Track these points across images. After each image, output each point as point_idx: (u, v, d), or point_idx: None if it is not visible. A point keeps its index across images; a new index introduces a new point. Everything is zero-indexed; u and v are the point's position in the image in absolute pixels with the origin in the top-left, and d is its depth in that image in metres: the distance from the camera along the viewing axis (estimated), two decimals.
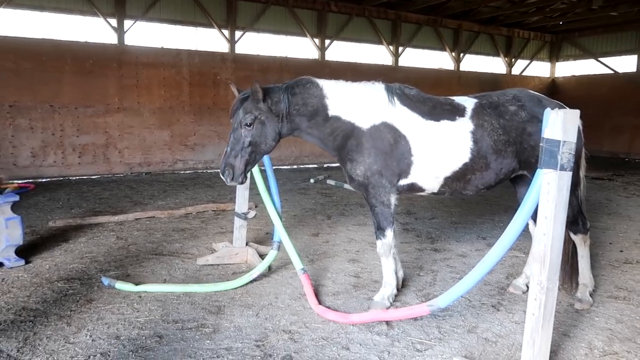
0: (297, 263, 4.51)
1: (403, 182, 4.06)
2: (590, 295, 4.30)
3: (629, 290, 4.66)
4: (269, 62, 14.35)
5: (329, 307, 4.10)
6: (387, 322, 3.84)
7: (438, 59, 18.45)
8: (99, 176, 12.00)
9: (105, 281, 4.53)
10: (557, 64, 21.46)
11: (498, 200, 9.30)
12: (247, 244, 5.57)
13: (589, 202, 9.18)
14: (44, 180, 11.23)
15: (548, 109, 2.75)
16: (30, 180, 10.83)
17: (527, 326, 2.89)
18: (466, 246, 6.16)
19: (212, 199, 8.95)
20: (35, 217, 7.21)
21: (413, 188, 4.14)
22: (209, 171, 13.39)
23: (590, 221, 4.43)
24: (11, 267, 4.98)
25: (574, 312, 4.13)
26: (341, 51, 16.18)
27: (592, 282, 4.41)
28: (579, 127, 4.24)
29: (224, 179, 3.92)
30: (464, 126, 4.02)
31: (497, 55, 19.84)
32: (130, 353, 3.35)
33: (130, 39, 12.63)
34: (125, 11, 12.42)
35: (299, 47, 15.44)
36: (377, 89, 4.10)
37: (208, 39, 13.96)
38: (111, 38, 12.41)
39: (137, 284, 4.49)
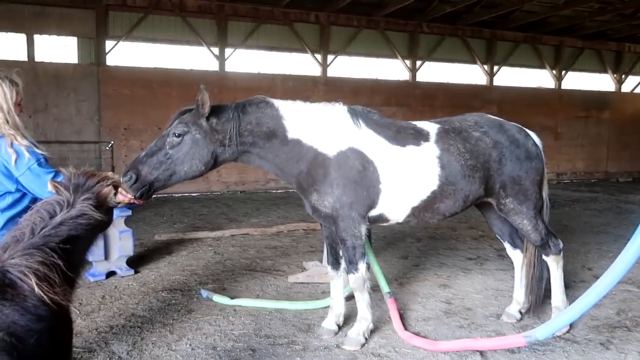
0: (384, 286, 4.46)
1: (372, 213, 3.76)
2: None
3: None
4: (359, 84, 14.54)
5: (415, 333, 4.00)
6: (481, 353, 3.67)
7: (537, 77, 17.56)
8: (198, 194, 12.79)
9: (204, 293, 4.80)
10: None
11: (605, 228, 8.56)
12: None
13: None
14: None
15: None
16: None
17: None
18: (569, 276, 5.72)
19: (302, 218, 9.16)
20: (142, 231, 7.83)
21: (379, 219, 3.85)
22: None
23: None
24: (122, 276, 5.45)
25: None
26: (433, 72, 15.98)
27: (565, 304, 4.07)
28: (539, 147, 4.10)
29: (124, 181, 3.25)
30: (430, 151, 3.78)
31: (605, 72, 18.44)
32: None
33: (230, 66, 13.47)
34: (227, 40, 13.29)
35: (389, 68, 15.49)
36: (339, 110, 3.79)
37: (301, 64, 14.48)
38: (213, 65, 13.33)
39: (232, 298, 4.71)
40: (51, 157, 3.29)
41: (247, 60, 13.85)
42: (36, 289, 1.75)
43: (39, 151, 3.12)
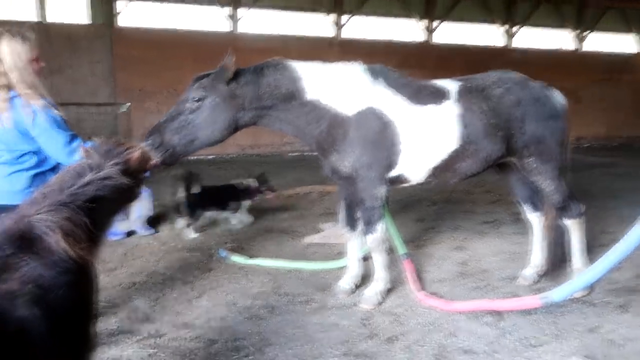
0: (400, 248, 4.48)
1: (391, 173, 3.76)
2: None
3: None
4: (374, 45, 14.21)
5: (431, 293, 4.04)
6: (497, 313, 3.70)
7: (557, 39, 17.02)
8: (214, 156, 12.79)
9: (222, 253, 4.88)
10: None
11: (625, 193, 8.44)
12: None
13: None
14: None
15: None
16: None
17: None
18: (588, 240, 5.66)
19: (317, 181, 9.16)
20: (161, 192, 7.89)
21: (399, 180, 3.85)
22: (314, 154, 13.70)
23: None
24: (143, 235, 5.55)
25: None
26: (449, 33, 15.56)
27: (587, 267, 4.00)
28: (564, 106, 3.97)
29: (146, 146, 3.17)
30: (451, 110, 3.72)
31: (629, 32, 17.80)
32: (245, 320, 3.59)
33: (243, 27, 13.24)
34: (239, 0, 13.02)
35: (405, 29, 15.11)
36: (358, 70, 3.74)
37: (315, 24, 14.18)
38: (225, 26, 13.11)
39: (250, 258, 4.78)
40: (68, 119, 3.24)
41: (260, 22, 13.59)
42: (62, 243, 1.79)
43: (55, 113, 3.07)
